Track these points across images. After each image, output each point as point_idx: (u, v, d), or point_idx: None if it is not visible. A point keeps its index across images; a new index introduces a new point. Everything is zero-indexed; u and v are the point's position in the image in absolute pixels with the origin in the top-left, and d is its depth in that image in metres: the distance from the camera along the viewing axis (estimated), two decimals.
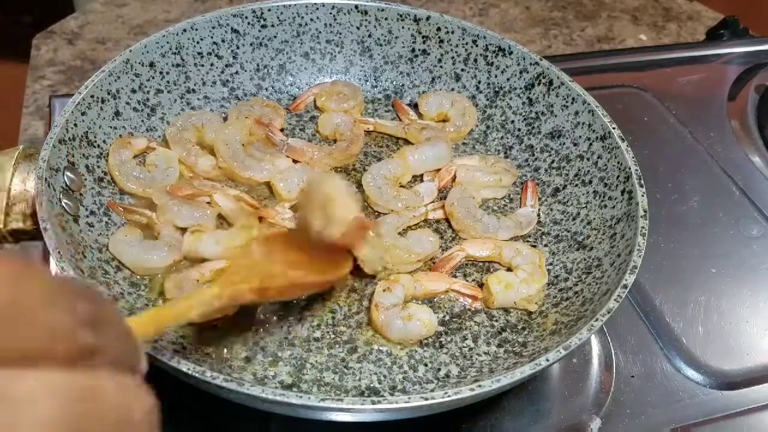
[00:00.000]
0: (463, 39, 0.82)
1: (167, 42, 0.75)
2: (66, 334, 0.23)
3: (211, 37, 0.79)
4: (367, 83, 0.86)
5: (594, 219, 0.70)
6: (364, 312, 0.64)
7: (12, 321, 0.22)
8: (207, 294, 0.48)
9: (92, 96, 0.68)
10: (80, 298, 0.25)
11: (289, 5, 0.81)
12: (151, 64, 0.74)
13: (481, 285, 0.68)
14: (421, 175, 0.77)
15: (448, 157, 0.78)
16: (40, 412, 0.21)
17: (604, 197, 0.70)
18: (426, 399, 0.47)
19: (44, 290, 0.23)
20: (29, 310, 0.22)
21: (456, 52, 0.83)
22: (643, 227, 0.62)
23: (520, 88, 0.80)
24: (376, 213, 0.73)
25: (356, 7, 0.82)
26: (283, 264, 0.55)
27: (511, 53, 0.80)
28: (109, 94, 0.70)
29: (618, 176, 0.69)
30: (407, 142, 0.81)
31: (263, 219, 0.69)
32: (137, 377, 0.27)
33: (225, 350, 0.60)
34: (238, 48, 0.81)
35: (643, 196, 0.65)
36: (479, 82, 0.83)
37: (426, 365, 0.61)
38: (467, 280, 0.69)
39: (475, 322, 0.65)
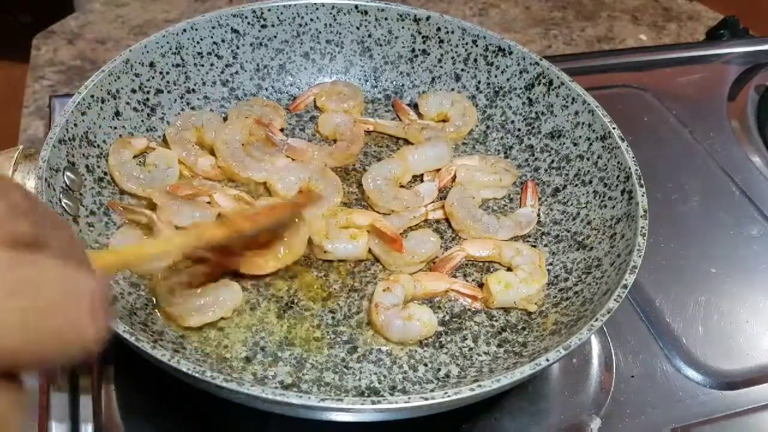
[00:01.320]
0: (463, 39, 0.82)
1: (167, 42, 0.75)
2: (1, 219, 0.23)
3: (211, 37, 0.79)
4: (367, 83, 0.86)
5: (594, 219, 0.70)
6: (364, 312, 0.64)
7: None
8: (176, 238, 0.50)
9: (92, 96, 0.68)
10: (14, 189, 0.25)
11: (289, 5, 0.81)
12: (151, 64, 0.74)
13: (481, 285, 0.68)
14: (421, 175, 0.77)
15: (448, 157, 0.78)
16: None
17: (604, 197, 0.70)
18: (426, 399, 0.47)
19: None
20: None
21: (456, 52, 0.83)
22: (643, 227, 0.62)
23: (520, 88, 0.80)
24: (374, 211, 0.73)
25: (356, 7, 0.82)
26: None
27: (511, 53, 0.80)
28: (109, 94, 0.70)
29: (618, 176, 0.69)
30: (407, 142, 0.81)
31: None
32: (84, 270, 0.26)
33: (225, 350, 0.60)
34: (238, 48, 0.81)
35: (643, 196, 0.65)
36: (479, 82, 0.83)
37: (426, 365, 0.61)
38: (467, 280, 0.69)
39: (475, 322, 0.65)
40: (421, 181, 0.77)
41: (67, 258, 0.26)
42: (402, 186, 0.75)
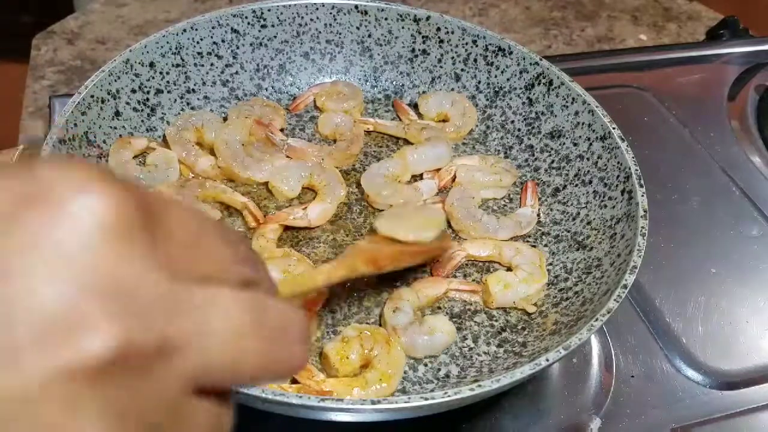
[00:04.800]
0: (463, 39, 0.82)
1: (167, 42, 0.75)
2: (233, 264, 0.26)
3: (211, 37, 0.79)
4: (367, 83, 0.86)
5: (594, 219, 0.70)
6: (364, 312, 0.64)
7: (196, 250, 0.25)
8: (328, 270, 0.53)
9: (92, 96, 0.68)
10: (237, 237, 0.28)
11: (289, 5, 0.81)
12: (151, 64, 0.74)
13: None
14: (421, 175, 0.77)
15: (448, 157, 0.78)
16: (225, 314, 0.24)
17: (604, 197, 0.70)
18: (426, 399, 0.47)
19: (218, 228, 0.26)
20: (209, 243, 0.25)
21: (456, 52, 0.83)
22: (643, 227, 0.62)
23: (520, 88, 0.80)
24: (374, 210, 0.73)
25: (356, 7, 0.82)
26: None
27: (511, 53, 0.80)
28: (109, 94, 0.70)
29: (618, 176, 0.69)
30: (407, 142, 0.81)
31: (265, 224, 0.69)
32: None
33: None
34: (238, 48, 0.81)
35: (643, 196, 0.65)
36: (479, 82, 0.83)
37: (426, 365, 0.61)
38: (467, 281, 0.68)
39: (475, 322, 0.65)
40: (421, 178, 0.77)
41: (275, 294, 0.29)
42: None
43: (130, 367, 0.20)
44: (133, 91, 0.73)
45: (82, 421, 0.20)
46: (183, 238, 0.24)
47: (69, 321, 0.20)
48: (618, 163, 0.69)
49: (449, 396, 0.48)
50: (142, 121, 0.74)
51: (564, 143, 0.76)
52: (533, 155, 0.79)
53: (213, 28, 0.78)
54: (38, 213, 0.20)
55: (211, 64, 0.80)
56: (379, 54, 0.85)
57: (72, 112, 0.65)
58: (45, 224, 0.20)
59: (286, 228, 0.70)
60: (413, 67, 0.85)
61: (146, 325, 0.21)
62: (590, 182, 0.72)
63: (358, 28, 0.84)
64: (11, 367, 0.19)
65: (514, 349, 0.63)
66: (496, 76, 0.82)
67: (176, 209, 0.24)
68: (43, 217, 0.20)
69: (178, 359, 0.22)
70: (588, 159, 0.73)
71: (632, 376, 0.66)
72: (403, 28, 0.83)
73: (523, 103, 0.80)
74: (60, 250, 0.20)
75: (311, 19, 0.83)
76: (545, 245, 0.72)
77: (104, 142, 0.70)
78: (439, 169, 0.77)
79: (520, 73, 0.80)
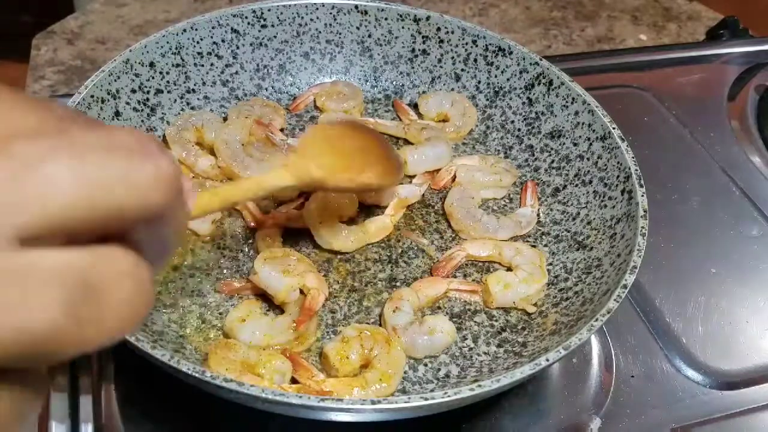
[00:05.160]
0: (463, 39, 0.82)
1: (167, 42, 0.75)
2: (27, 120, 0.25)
3: (211, 37, 0.79)
4: (367, 83, 0.86)
5: (594, 219, 0.70)
6: (364, 312, 0.64)
7: None
8: (274, 175, 0.52)
9: (92, 96, 0.68)
10: (44, 102, 0.27)
11: (289, 5, 0.81)
12: (151, 64, 0.74)
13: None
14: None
15: (448, 157, 0.78)
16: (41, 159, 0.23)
17: (604, 197, 0.70)
18: (426, 399, 0.47)
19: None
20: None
21: (456, 52, 0.83)
22: (643, 227, 0.62)
23: (520, 88, 0.80)
24: (368, 206, 0.73)
25: (356, 7, 0.82)
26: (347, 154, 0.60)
27: (511, 53, 0.80)
28: (109, 94, 0.70)
29: (618, 176, 0.69)
30: (407, 142, 0.81)
31: (265, 224, 0.69)
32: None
33: None
34: (238, 48, 0.81)
35: (643, 196, 0.65)
36: (479, 82, 0.83)
37: (426, 365, 0.61)
38: (467, 281, 0.68)
39: (475, 322, 0.65)
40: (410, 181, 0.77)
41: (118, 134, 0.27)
42: None
43: None
44: (133, 91, 0.73)
45: None
46: None
47: None
48: (618, 163, 0.69)
49: (449, 396, 0.48)
50: (142, 121, 0.74)
51: (564, 143, 0.76)
52: (533, 155, 0.79)
53: (213, 28, 0.78)
54: None
55: (211, 64, 0.80)
56: (379, 54, 0.85)
57: None
58: None
59: (286, 228, 0.70)
60: (413, 67, 0.85)
61: None
62: (590, 182, 0.72)
63: (358, 28, 0.84)
64: None
65: (514, 349, 0.63)
66: (496, 76, 0.82)
67: None
68: None
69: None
70: (588, 159, 0.73)
71: (632, 376, 0.66)
72: (403, 28, 0.83)
73: (523, 103, 0.80)
74: None
75: (311, 19, 0.83)
76: (545, 245, 0.72)
77: None
78: (439, 170, 0.77)
79: (520, 73, 0.80)
